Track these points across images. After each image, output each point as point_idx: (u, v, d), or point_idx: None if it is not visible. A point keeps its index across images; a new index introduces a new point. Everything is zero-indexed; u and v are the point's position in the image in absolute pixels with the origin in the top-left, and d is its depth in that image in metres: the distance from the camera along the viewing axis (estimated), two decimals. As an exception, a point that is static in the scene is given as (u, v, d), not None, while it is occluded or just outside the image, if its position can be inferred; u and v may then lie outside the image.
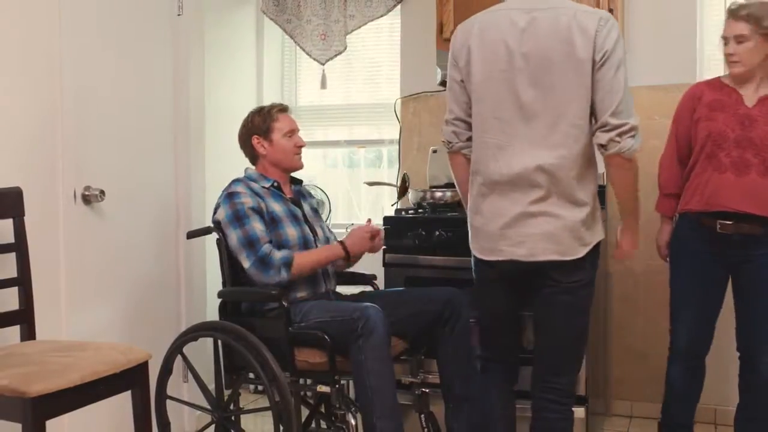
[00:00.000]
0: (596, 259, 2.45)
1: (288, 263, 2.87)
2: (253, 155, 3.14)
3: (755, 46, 2.83)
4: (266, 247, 2.89)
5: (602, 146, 2.33)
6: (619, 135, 2.28)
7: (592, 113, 2.34)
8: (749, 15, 2.82)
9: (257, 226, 2.92)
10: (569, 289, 2.42)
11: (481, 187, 2.46)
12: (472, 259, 2.56)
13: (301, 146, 3.14)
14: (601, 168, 2.74)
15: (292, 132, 3.13)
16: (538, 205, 2.35)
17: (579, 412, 3.19)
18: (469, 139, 2.51)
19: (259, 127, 3.09)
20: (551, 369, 2.51)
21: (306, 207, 3.18)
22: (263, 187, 3.06)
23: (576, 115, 2.32)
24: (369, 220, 3.17)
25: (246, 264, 2.90)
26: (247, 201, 2.95)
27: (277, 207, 3.02)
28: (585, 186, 2.38)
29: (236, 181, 3.05)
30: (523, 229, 2.37)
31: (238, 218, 2.93)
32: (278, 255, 2.88)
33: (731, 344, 3.74)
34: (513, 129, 2.36)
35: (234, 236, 2.93)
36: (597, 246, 2.43)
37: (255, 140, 3.09)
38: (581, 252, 2.38)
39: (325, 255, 3.00)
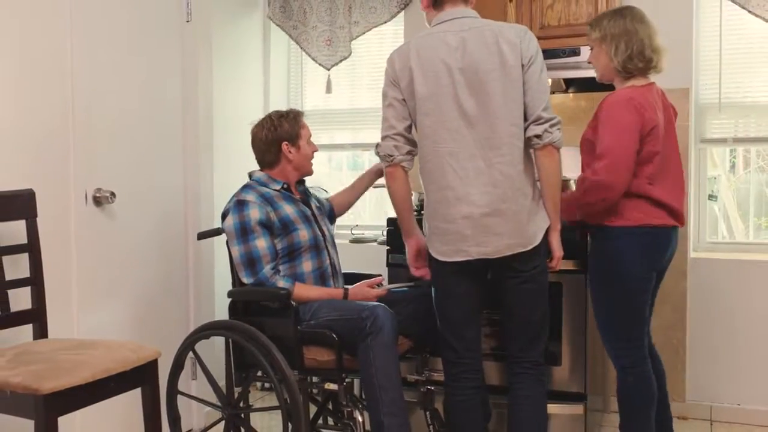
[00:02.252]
0: (546, 245, 2.65)
1: (287, 296, 2.83)
2: (273, 160, 3.05)
3: (597, 52, 2.88)
4: (267, 271, 2.87)
5: (537, 137, 2.54)
6: (551, 126, 2.53)
7: (524, 112, 2.54)
8: (588, 25, 2.93)
9: (260, 244, 2.88)
10: (531, 277, 2.62)
11: (437, 194, 2.60)
12: (431, 262, 2.69)
13: (315, 152, 3.13)
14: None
15: (310, 138, 3.11)
16: (495, 204, 2.52)
17: (578, 408, 3.18)
18: (408, 153, 2.66)
19: (289, 132, 3.03)
20: (523, 347, 2.70)
21: (313, 206, 3.14)
22: (274, 190, 3.02)
23: (514, 115, 2.53)
24: (380, 276, 3.11)
25: (245, 281, 2.90)
26: (255, 213, 2.90)
27: (289, 209, 2.98)
28: (528, 178, 2.59)
29: (246, 187, 3.01)
30: (485, 228, 2.53)
31: (244, 232, 2.89)
32: (279, 284, 2.86)
33: (725, 343, 3.73)
34: (461, 136, 2.54)
35: (236, 251, 2.90)
36: (546, 232, 2.63)
37: (285, 146, 3.03)
38: (538, 239, 2.59)
39: (326, 294, 2.93)
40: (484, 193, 2.52)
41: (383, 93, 2.67)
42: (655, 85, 2.86)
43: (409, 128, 2.66)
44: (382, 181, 3.52)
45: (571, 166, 2.96)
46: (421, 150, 2.64)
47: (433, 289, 2.75)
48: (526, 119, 2.54)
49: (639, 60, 2.78)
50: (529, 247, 2.56)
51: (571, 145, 2.92)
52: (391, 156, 2.65)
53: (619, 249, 2.76)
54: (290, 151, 3.03)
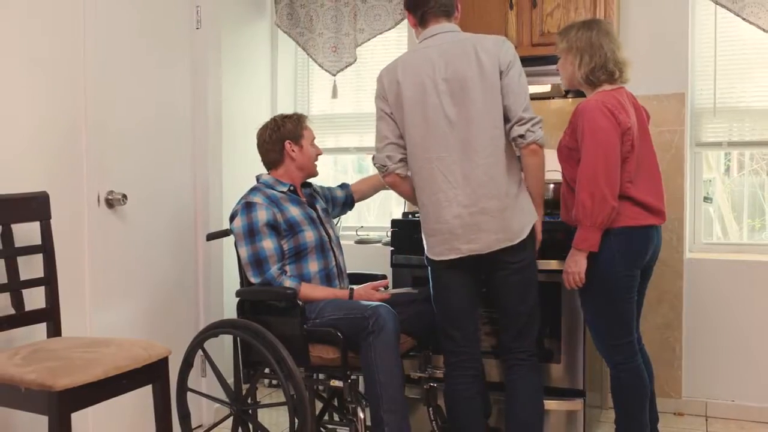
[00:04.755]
0: (534, 240, 2.75)
1: (294, 295, 2.83)
2: (277, 159, 3.07)
3: (563, 61, 2.91)
4: (274, 271, 2.87)
5: (521, 136, 2.62)
6: (533, 126, 2.62)
7: (505, 115, 2.63)
8: (557, 33, 2.95)
9: (267, 245, 2.88)
10: (518, 270, 2.70)
11: (430, 197, 2.69)
12: (428, 262, 2.78)
13: (319, 154, 3.14)
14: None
15: (313, 140, 3.13)
16: (483, 203, 2.62)
17: (576, 404, 3.17)
18: (401, 160, 2.76)
19: (292, 132, 3.06)
20: (515, 338, 2.78)
21: (319, 208, 3.14)
22: (281, 192, 3.02)
23: (496, 118, 2.62)
24: (385, 277, 3.14)
25: (252, 281, 2.90)
26: (262, 215, 2.90)
27: (295, 211, 2.98)
28: (512, 177, 2.67)
29: (254, 189, 3.01)
30: (474, 226, 2.63)
31: (251, 234, 2.89)
32: (286, 284, 2.86)
33: (720, 341, 3.72)
34: (447, 142, 2.64)
35: (244, 252, 2.91)
36: (533, 228, 2.71)
37: (288, 145, 3.05)
38: (524, 234, 2.67)
39: (331, 294, 2.93)
40: (471, 194, 2.62)
41: (376, 107, 2.78)
42: (624, 89, 2.87)
43: (400, 137, 2.75)
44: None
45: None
46: (412, 158, 2.72)
47: (430, 286, 2.79)
48: (508, 121, 2.63)
49: (602, 73, 2.81)
50: (516, 241, 2.65)
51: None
52: (385, 166, 2.78)
53: (600, 250, 2.74)
54: (293, 150, 3.04)
